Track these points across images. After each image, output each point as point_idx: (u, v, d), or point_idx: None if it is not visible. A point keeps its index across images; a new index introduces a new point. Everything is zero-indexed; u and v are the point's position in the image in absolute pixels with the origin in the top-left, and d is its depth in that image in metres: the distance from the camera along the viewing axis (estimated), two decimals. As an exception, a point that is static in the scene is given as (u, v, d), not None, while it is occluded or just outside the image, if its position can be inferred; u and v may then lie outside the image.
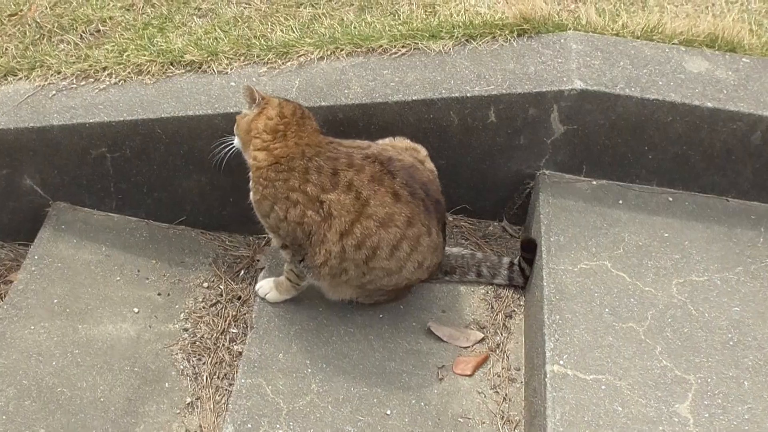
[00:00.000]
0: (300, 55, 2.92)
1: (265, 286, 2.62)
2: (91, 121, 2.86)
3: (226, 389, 2.62)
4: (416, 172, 2.45)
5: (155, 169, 2.94)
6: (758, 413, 2.23)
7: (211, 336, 2.77)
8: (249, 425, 2.33)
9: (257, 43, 2.96)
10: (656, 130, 2.72)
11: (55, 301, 2.78)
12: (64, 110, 2.88)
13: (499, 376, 2.56)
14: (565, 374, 2.29)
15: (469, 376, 2.54)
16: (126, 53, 2.99)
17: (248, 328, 2.77)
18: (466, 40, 2.89)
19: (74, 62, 3.01)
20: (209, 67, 2.94)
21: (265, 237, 3.04)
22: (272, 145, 2.38)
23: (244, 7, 3.13)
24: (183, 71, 2.95)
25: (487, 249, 2.90)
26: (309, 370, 2.47)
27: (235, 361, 2.72)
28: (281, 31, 3.01)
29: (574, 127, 2.73)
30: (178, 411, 2.54)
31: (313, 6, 3.12)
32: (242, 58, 2.95)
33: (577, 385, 2.27)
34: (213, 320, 2.81)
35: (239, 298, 2.88)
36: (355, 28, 2.98)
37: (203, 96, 2.85)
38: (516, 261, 2.75)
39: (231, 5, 3.14)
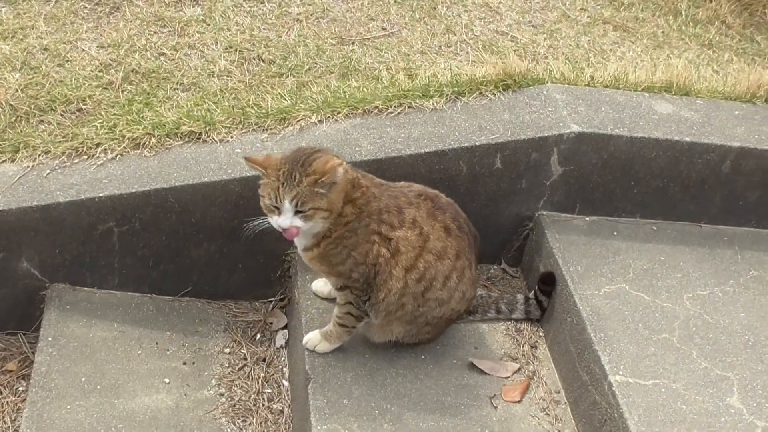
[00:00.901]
0: (298, 120, 3.02)
1: (314, 338, 2.65)
2: (101, 195, 2.82)
3: (281, 445, 2.62)
4: (458, 209, 2.61)
5: (164, 240, 2.92)
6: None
7: (249, 398, 2.76)
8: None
9: (252, 111, 3.03)
10: (642, 165, 3.00)
11: (83, 379, 2.69)
12: (66, 187, 2.83)
13: (543, 399, 2.69)
14: (627, 382, 2.47)
15: (519, 402, 2.66)
16: (117, 129, 2.98)
17: (280, 387, 2.80)
18: (456, 97, 3.09)
19: (62, 141, 2.96)
20: (208, 136, 2.98)
21: (272, 301, 3.07)
22: (354, 196, 2.44)
23: (227, 80, 3.21)
24: (182, 142, 2.97)
25: (495, 290, 3.06)
26: (376, 411, 2.52)
27: (278, 418, 2.72)
28: (272, 99, 3.09)
29: (571, 168, 2.97)
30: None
31: (294, 76, 3.24)
32: (240, 126, 3.01)
33: (641, 390, 2.45)
34: (245, 383, 2.80)
35: (263, 359, 2.89)
36: (344, 92, 3.12)
37: (212, 164, 2.89)
38: (531, 296, 2.92)
39: (213, 78, 3.21)
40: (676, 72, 3.21)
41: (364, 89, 3.12)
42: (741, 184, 3.07)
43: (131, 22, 3.40)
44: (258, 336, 2.96)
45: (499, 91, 3.10)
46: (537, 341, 2.88)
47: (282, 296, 3.07)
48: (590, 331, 2.60)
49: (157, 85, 3.17)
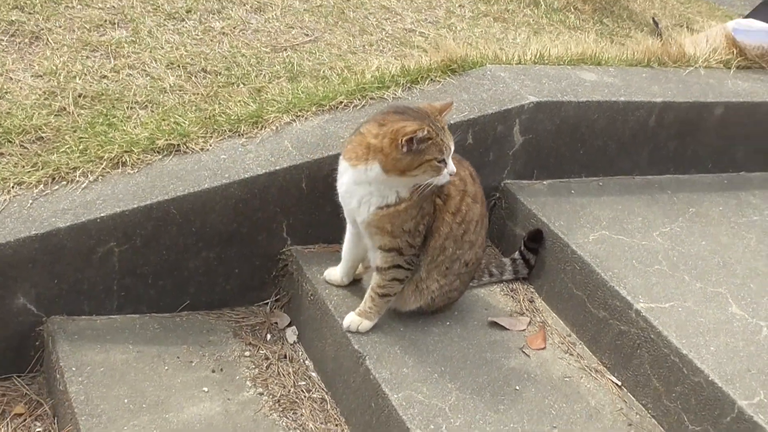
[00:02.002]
0: (270, 122, 3.07)
1: (354, 320, 2.72)
2: (102, 215, 2.74)
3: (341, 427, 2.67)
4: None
5: (164, 254, 2.88)
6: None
7: (288, 392, 2.78)
8: (431, 426, 2.45)
9: (222, 119, 3.06)
10: (586, 127, 3.32)
11: (126, 400, 2.61)
12: (60, 213, 2.73)
13: (562, 343, 2.92)
14: (650, 308, 2.74)
15: (544, 348, 2.87)
16: (89, 151, 2.91)
17: (310, 378, 2.85)
18: (410, 86, 3.27)
19: (33, 170, 2.84)
20: (187, 147, 2.97)
21: (267, 302, 3.10)
22: None
23: (181, 94, 3.20)
24: (161, 156, 2.94)
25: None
26: (435, 375, 2.63)
27: (323, 405, 2.77)
28: (237, 105, 3.13)
29: (530, 137, 3.23)
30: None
31: (244, 83, 3.29)
32: (215, 134, 3.02)
33: (663, 312, 2.73)
34: (278, 380, 2.81)
35: (284, 356, 2.91)
36: (302, 92, 3.21)
37: (204, 171, 2.89)
38: (516, 256, 3.14)
39: (166, 94, 3.19)
40: (586, 46, 3.56)
41: (321, 88, 3.22)
42: (663, 136, 3.46)
43: (58, 49, 3.30)
44: (268, 336, 2.97)
45: (447, 76, 3.31)
46: (532, 296, 3.09)
47: (277, 297, 3.09)
48: (599, 272, 2.85)
49: (112, 106, 3.10)
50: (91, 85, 3.16)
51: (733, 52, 3.81)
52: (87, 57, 3.29)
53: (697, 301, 2.79)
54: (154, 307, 2.94)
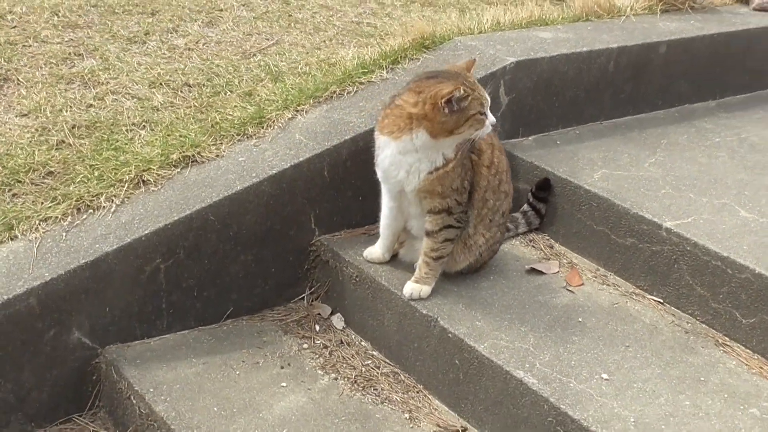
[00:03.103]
0: (274, 120, 3.12)
1: (415, 288, 2.78)
2: (146, 232, 2.73)
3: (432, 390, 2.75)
4: None
5: (206, 264, 2.88)
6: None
7: (360, 372, 2.83)
8: (526, 365, 2.56)
9: (226, 125, 3.08)
10: (559, 80, 3.51)
11: (215, 409, 2.60)
12: (101, 239, 2.70)
13: (595, 277, 3.09)
14: (677, 224, 2.94)
15: (583, 284, 3.03)
16: (106, 176, 2.88)
17: (373, 357, 2.91)
18: (392, 67, 3.38)
19: (55, 204, 2.79)
20: (202, 156, 2.98)
21: (302, 297, 3.13)
22: None
23: (174, 110, 3.19)
24: (179, 169, 2.94)
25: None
26: (505, 323, 2.74)
27: (398, 377, 2.83)
28: (236, 110, 3.16)
29: (514, 96, 3.39)
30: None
31: (231, 91, 3.32)
32: (224, 139, 3.04)
33: (688, 226, 2.93)
34: (346, 363, 2.86)
35: (341, 342, 2.96)
36: (292, 88, 3.27)
37: (229, 175, 2.91)
38: (526, 208, 3.29)
39: (160, 112, 3.18)
40: (532, 8, 3.77)
41: (309, 82, 3.28)
42: (620, 80, 3.69)
43: (32, 87, 3.24)
44: (317, 327, 3.01)
45: (423, 52, 3.43)
46: (551, 243, 3.25)
47: (311, 290, 3.12)
48: (618, 203, 3.04)
49: (110, 131, 3.07)
50: (80, 115, 3.11)
51: (655, -4, 4.10)
52: (65, 89, 3.23)
53: (712, 213, 3.01)
54: (200, 320, 2.93)
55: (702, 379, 2.59)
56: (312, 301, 3.10)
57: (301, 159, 2.96)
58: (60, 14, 3.63)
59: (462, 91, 2.52)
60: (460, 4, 4.40)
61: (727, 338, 2.80)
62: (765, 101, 4.15)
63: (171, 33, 3.65)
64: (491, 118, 2.63)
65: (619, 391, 2.49)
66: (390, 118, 2.66)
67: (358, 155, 3.05)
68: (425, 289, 2.80)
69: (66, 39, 3.48)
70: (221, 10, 3.89)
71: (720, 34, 3.97)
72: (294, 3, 4.10)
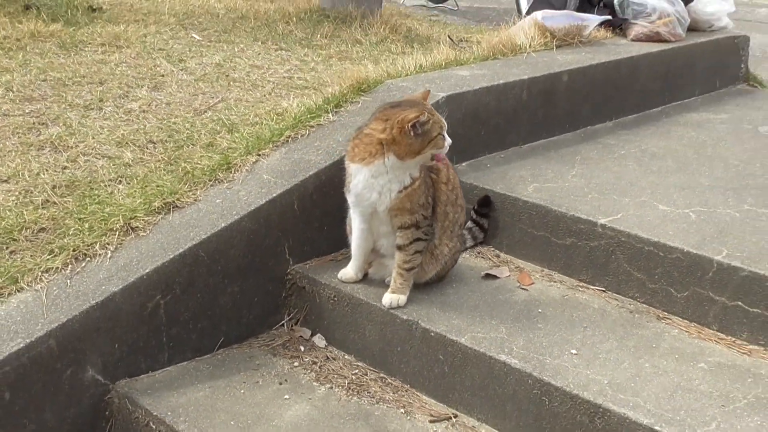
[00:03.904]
0: (240, 165, 3.42)
1: (393, 298, 3.09)
2: (147, 270, 2.98)
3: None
4: None
5: (198, 297, 3.13)
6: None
7: (351, 380, 3.11)
8: (505, 349, 2.92)
9: (198, 173, 3.37)
10: (483, 110, 3.93)
11: (232, 423, 2.83)
12: (105, 280, 2.93)
13: (542, 276, 3.46)
14: (610, 220, 3.37)
15: (533, 283, 3.42)
16: (96, 227, 3.10)
17: (359, 366, 3.21)
18: (336, 110, 3.73)
19: (53, 256, 3.01)
20: (181, 202, 3.23)
21: (283, 323, 3.41)
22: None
23: (144, 164, 3.45)
24: (163, 214, 3.19)
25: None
26: (477, 318, 3.07)
27: (386, 380, 3.14)
28: (203, 159, 3.45)
29: (447, 127, 3.79)
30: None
31: (193, 144, 3.59)
32: (198, 185, 3.31)
33: (620, 221, 3.35)
34: (336, 374, 3.14)
35: (327, 357, 3.23)
36: (250, 136, 3.59)
37: (211, 215, 3.18)
38: (470, 225, 3.67)
39: (132, 167, 3.41)
40: (446, 55, 4.20)
41: (265, 130, 3.60)
42: (533, 106, 4.15)
43: (5, 156, 3.44)
44: (302, 348, 3.29)
45: (361, 95, 3.80)
46: (497, 252, 3.62)
47: (289, 315, 3.40)
48: (555, 208, 3.44)
49: (90, 188, 3.30)
50: (58, 177, 3.33)
51: (546, 35, 4.59)
52: (38, 155, 3.45)
53: (636, 209, 3.45)
54: (196, 350, 3.17)
55: (653, 346, 2.99)
56: (292, 325, 3.38)
57: (274, 195, 3.25)
58: (14, 90, 3.84)
59: (425, 116, 2.90)
60: (372, 57, 4.80)
61: (666, 312, 3.21)
62: (653, 118, 4.68)
63: (123, 98, 3.90)
64: (448, 140, 3.01)
65: (588, 362, 2.86)
66: (360, 146, 3.00)
67: (321, 188, 3.37)
68: (402, 298, 3.12)
69: (26, 111, 3.69)
70: (162, 76, 4.18)
71: (610, 61, 4.49)
72: (226, 65, 4.42)
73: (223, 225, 3.13)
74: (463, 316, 3.08)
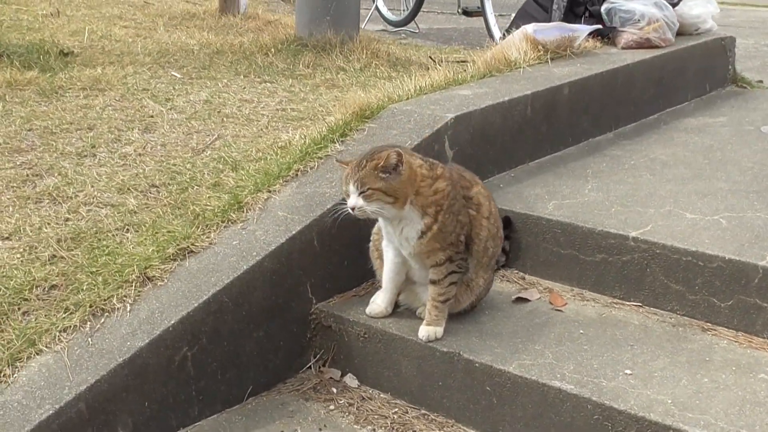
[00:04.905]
0: (252, 204, 3.26)
1: (429, 330, 2.95)
2: (173, 321, 2.81)
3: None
4: None
5: (225, 346, 2.96)
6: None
7: (392, 420, 2.96)
8: (558, 375, 2.79)
9: (210, 215, 3.20)
10: (490, 129, 3.82)
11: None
12: (129, 336, 2.75)
13: (573, 296, 3.35)
14: (641, 232, 3.25)
15: (566, 304, 3.30)
16: (111, 280, 2.93)
17: (396, 402, 3.06)
18: (342, 139, 3.60)
19: (69, 314, 2.82)
20: (196, 246, 3.07)
21: (310, 365, 3.25)
22: (438, 171, 2.88)
23: (149, 209, 3.27)
24: (179, 261, 3.01)
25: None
26: (519, 345, 2.94)
27: (429, 417, 3.00)
28: (212, 200, 3.29)
29: (456, 149, 3.67)
30: None
31: (198, 185, 3.42)
32: (211, 228, 3.15)
33: (651, 232, 3.25)
34: (375, 414, 2.98)
35: (362, 398, 3.08)
36: (259, 173, 3.43)
37: (231, 258, 3.02)
38: (493, 249, 3.55)
39: (137, 214, 3.23)
40: (439, 75, 4.09)
41: (272, 165, 3.44)
42: (537, 121, 4.04)
43: (3, 212, 3.24)
44: (334, 390, 3.13)
45: (366, 123, 3.67)
46: (521, 275, 3.50)
47: (316, 357, 3.24)
48: (581, 225, 3.33)
49: (97, 239, 3.12)
50: (61, 229, 3.15)
51: (538, 48, 4.50)
52: (37, 208, 3.26)
53: (664, 220, 3.35)
54: (226, 402, 3.00)
55: (707, 359, 2.88)
56: (320, 367, 3.22)
57: (293, 232, 3.10)
58: (0, 142, 3.65)
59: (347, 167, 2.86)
60: (359, 83, 4.67)
61: (709, 324, 3.10)
62: (652, 126, 4.61)
63: (115, 143, 3.73)
64: (348, 201, 2.84)
65: (645, 381, 2.74)
66: None
67: (340, 222, 3.21)
68: (439, 330, 2.98)
69: (18, 163, 3.50)
70: (152, 116, 4.00)
71: (607, 71, 4.41)
72: (215, 101, 4.26)
73: (245, 268, 2.97)
74: (505, 344, 2.95)
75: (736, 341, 3.00)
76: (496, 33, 6.42)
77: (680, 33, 5.07)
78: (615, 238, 3.27)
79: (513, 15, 5.55)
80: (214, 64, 4.90)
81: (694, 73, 5.04)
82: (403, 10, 8.24)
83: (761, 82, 5.58)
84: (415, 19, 7.88)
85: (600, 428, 2.65)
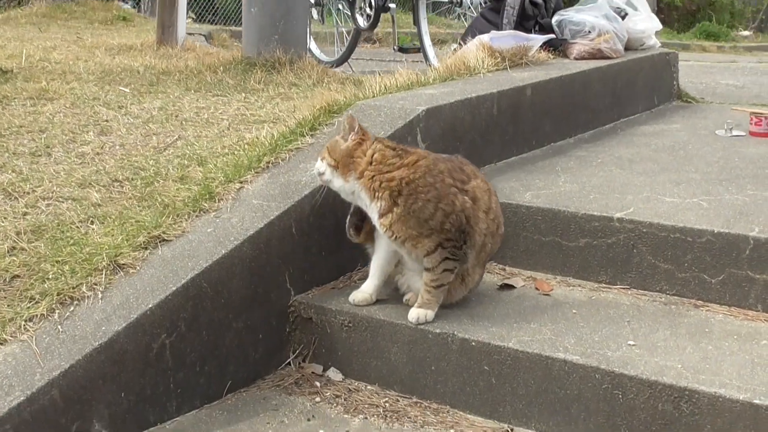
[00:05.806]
0: (224, 194, 3.11)
1: (420, 313, 2.81)
2: (150, 305, 2.64)
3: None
4: None
5: (204, 335, 2.78)
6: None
7: (384, 409, 2.81)
8: (558, 352, 2.68)
9: (180, 205, 3.04)
10: (460, 125, 3.74)
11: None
12: (104, 321, 2.57)
13: (558, 283, 3.26)
14: (625, 213, 3.20)
15: (552, 289, 3.20)
16: (79, 268, 2.74)
17: (385, 392, 2.92)
18: (311, 132, 3.48)
19: (35, 303, 2.62)
20: (169, 235, 2.91)
21: (289, 361, 3.08)
22: (409, 159, 2.79)
23: (115, 201, 3.09)
24: (151, 249, 2.85)
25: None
26: (515, 324, 2.84)
27: (421, 404, 2.85)
28: (182, 191, 3.12)
29: (428, 143, 3.57)
30: None
31: (163, 178, 3.26)
32: (183, 217, 2.99)
33: (635, 213, 3.20)
34: (366, 404, 2.83)
35: (349, 390, 2.92)
36: (228, 165, 3.28)
37: (207, 244, 2.86)
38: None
39: (102, 207, 3.05)
40: (408, 76, 4.02)
41: (241, 158, 3.30)
42: (503, 122, 3.98)
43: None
44: (318, 384, 2.96)
45: (334, 116, 3.56)
46: (502, 266, 3.40)
47: (295, 353, 3.08)
48: (563, 209, 3.26)
49: (61, 231, 2.92)
50: (20, 223, 2.95)
51: (495, 56, 4.47)
52: (-3, 206, 3.05)
53: (645, 203, 3.29)
54: (205, 397, 2.82)
55: (707, 330, 2.81)
56: (300, 363, 3.05)
57: (272, 217, 2.96)
58: (-54, 145, 3.43)
59: None
60: (314, 96, 4.56)
61: (701, 301, 3.04)
62: (610, 133, 4.60)
63: (71, 143, 3.54)
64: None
65: (651, 350, 2.64)
66: None
67: (317, 210, 3.08)
68: (430, 313, 2.85)
69: (-35, 162, 3.29)
70: (107, 121, 3.83)
71: (565, 75, 4.40)
72: (170, 108, 4.10)
73: (223, 252, 2.81)
74: (499, 324, 2.84)
75: (731, 315, 2.94)
76: (436, 63, 6.39)
77: (627, 47, 5.10)
78: (599, 221, 3.19)
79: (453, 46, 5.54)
80: (161, 82, 4.75)
81: (644, 85, 5.07)
82: (337, 51, 8.19)
83: (703, 98, 5.66)
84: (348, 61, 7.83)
85: (609, 398, 2.54)
